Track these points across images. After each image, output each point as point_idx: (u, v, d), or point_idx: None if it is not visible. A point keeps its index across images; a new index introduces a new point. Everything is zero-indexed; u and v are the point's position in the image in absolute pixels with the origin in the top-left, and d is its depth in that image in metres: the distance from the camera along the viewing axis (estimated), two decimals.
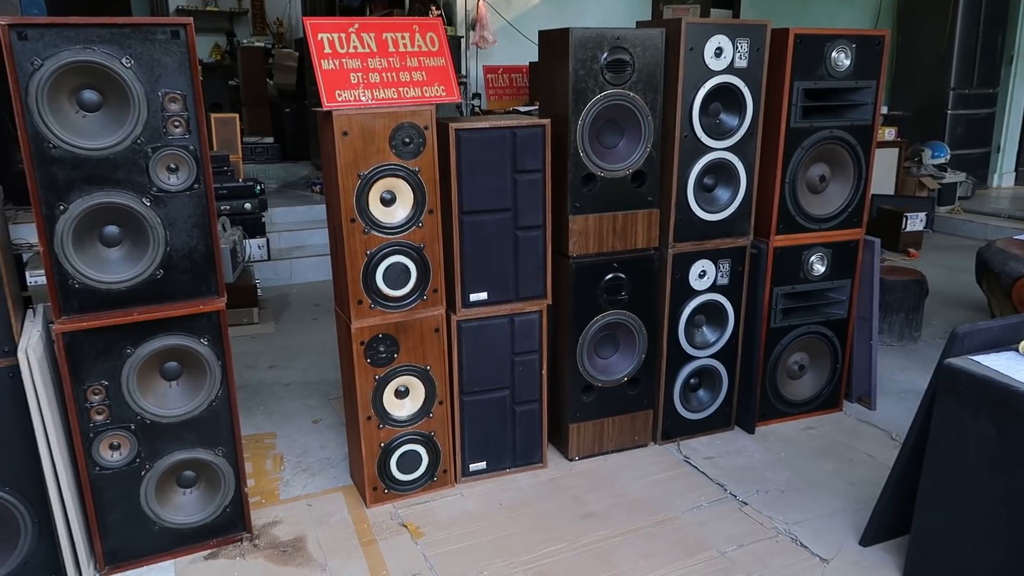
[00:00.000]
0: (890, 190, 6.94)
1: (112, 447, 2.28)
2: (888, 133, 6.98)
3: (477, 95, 7.01)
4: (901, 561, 2.38)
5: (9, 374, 2.10)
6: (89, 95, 2.05)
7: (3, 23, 1.91)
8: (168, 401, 2.33)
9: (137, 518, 2.36)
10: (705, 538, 2.55)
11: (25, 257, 3.96)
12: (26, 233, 4.86)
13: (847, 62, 2.99)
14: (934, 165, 7.44)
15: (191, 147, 2.17)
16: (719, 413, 3.23)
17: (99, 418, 2.24)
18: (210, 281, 2.29)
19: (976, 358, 2.10)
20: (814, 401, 3.39)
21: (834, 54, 2.96)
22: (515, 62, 7.02)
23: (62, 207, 2.06)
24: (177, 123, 2.14)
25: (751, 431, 3.26)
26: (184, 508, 2.44)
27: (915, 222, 6.30)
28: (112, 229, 2.16)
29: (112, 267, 2.17)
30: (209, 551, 2.48)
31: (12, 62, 1.93)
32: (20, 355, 2.08)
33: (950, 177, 7.52)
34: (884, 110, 7.66)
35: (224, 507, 2.47)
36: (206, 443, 2.40)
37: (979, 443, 2.02)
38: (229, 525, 2.51)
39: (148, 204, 2.15)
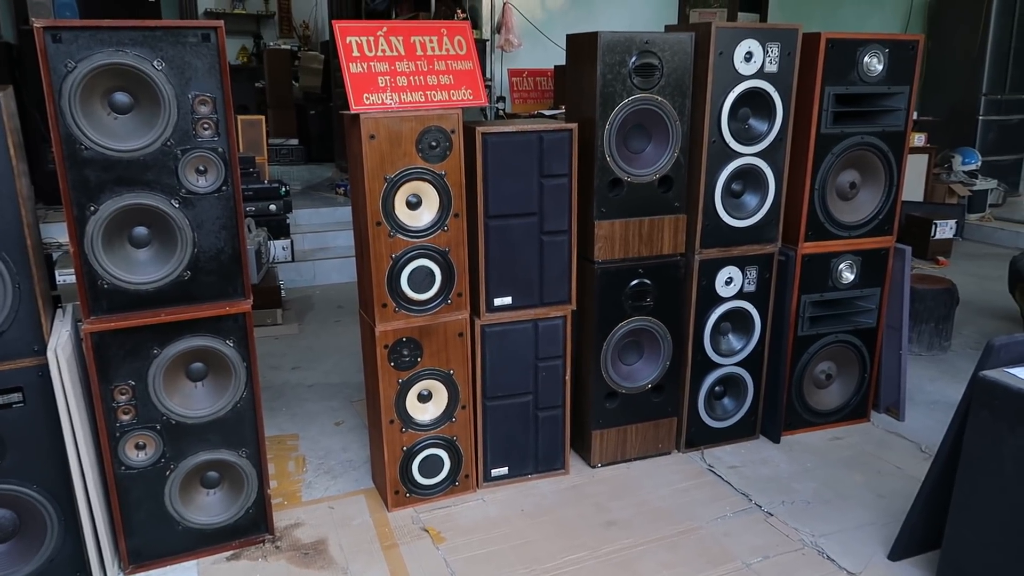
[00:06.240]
0: (919, 197, 6.83)
1: (138, 447, 2.30)
2: (918, 139, 6.88)
3: (502, 98, 7.02)
4: None
5: (38, 373, 2.12)
6: (121, 97, 2.07)
7: (39, 26, 1.93)
8: (193, 402, 2.34)
9: (161, 518, 2.38)
10: (730, 549, 2.51)
11: (55, 256, 4.01)
12: (56, 232, 4.93)
13: (880, 67, 2.94)
14: (964, 171, 7.32)
15: (220, 149, 2.18)
16: (744, 422, 3.19)
17: (125, 418, 2.26)
18: (236, 283, 2.30)
19: (1012, 371, 2.05)
20: (841, 411, 3.34)
21: (866, 59, 2.91)
22: (540, 65, 7.01)
23: (93, 208, 2.08)
24: (207, 125, 2.15)
25: (776, 440, 3.22)
26: (207, 508, 2.45)
27: (944, 229, 6.20)
28: (141, 230, 2.18)
29: (140, 268, 2.19)
30: (231, 552, 2.49)
31: (46, 64, 1.96)
32: (49, 354, 2.10)
33: (981, 184, 7.39)
34: (914, 115, 7.55)
35: (247, 508, 2.48)
36: (230, 444, 2.40)
37: (1015, 457, 1.97)
38: (252, 526, 2.52)
39: (177, 206, 2.17)
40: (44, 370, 2.11)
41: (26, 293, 2.09)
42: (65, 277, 3.72)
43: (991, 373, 2.05)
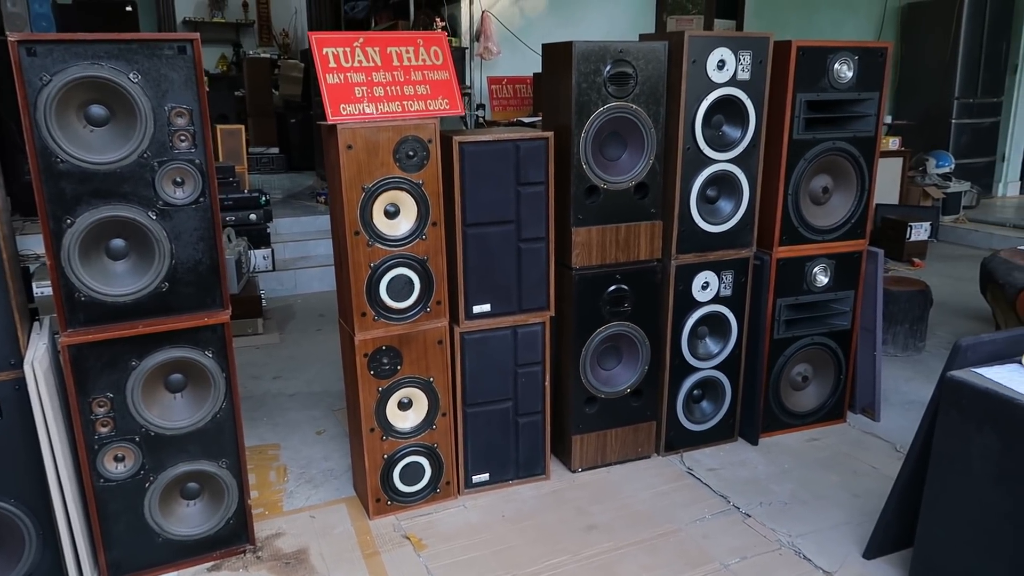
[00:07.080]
0: (894, 200, 6.94)
1: (116, 459, 2.29)
2: (892, 143, 6.98)
3: (481, 106, 7.04)
4: (905, 574, 2.37)
5: (15, 387, 2.11)
6: (97, 110, 2.07)
7: (13, 39, 1.93)
8: (172, 413, 2.34)
9: (141, 530, 2.37)
10: (708, 550, 2.54)
11: (32, 268, 3.98)
12: (33, 244, 4.89)
13: (850, 74, 3.00)
14: (938, 174, 7.44)
15: (197, 161, 2.19)
16: (722, 424, 3.23)
17: (104, 430, 2.25)
18: (215, 294, 2.30)
19: (979, 371, 2.10)
20: (818, 412, 3.38)
21: (836, 66, 2.97)
22: (519, 72, 7.05)
23: (69, 221, 2.08)
24: (183, 137, 2.16)
25: (754, 442, 3.26)
26: (188, 520, 2.45)
27: (919, 232, 6.30)
28: (118, 242, 2.18)
29: (118, 280, 2.19)
30: (212, 563, 2.49)
31: (21, 78, 1.95)
32: (27, 367, 2.09)
33: (955, 187, 7.52)
34: (888, 120, 7.67)
35: (227, 519, 2.48)
36: (210, 455, 2.40)
37: (983, 456, 2.02)
38: (232, 537, 2.51)
39: (154, 217, 2.17)
40: (21, 383, 2.11)
41: (3, 306, 2.08)
42: (42, 289, 3.70)
43: (959, 373, 2.10)
